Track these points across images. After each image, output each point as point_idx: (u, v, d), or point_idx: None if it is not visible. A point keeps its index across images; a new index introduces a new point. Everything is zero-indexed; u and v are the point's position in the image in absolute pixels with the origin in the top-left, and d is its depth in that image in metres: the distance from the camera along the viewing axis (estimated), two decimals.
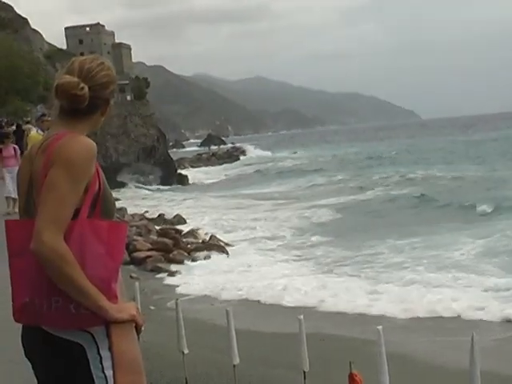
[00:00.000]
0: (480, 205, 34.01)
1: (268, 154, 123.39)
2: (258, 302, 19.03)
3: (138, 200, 56.62)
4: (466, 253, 23.26)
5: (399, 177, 56.48)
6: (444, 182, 50.95)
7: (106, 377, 2.71)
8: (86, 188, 2.72)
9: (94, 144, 2.78)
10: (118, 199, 53.97)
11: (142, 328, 2.95)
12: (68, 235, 2.66)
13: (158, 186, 65.70)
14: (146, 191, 62.24)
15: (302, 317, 9.71)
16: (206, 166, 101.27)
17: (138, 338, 9.37)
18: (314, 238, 29.78)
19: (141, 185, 64.78)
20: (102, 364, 2.70)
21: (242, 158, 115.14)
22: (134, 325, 2.78)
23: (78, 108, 2.82)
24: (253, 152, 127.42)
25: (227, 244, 28.61)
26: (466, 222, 30.37)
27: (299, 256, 26.20)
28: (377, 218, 34.68)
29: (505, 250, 22.96)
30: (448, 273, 20.41)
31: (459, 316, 16.14)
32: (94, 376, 2.71)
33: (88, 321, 2.68)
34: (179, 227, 33.13)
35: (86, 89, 2.82)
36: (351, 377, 8.65)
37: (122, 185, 63.04)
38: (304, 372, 9.55)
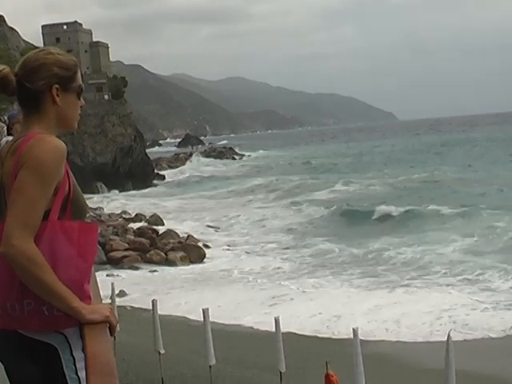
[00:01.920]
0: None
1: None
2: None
3: (115, 199, 56.45)
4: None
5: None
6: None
7: (79, 378, 2.68)
8: (55, 190, 2.70)
9: (64, 145, 2.75)
10: (95, 199, 53.77)
11: (117, 329, 2.92)
12: (38, 237, 2.63)
13: (134, 187, 65.49)
14: (123, 193, 62.12)
15: (278, 316, 9.71)
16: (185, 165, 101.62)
17: (114, 338, 9.29)
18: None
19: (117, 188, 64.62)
20: (75, 365, 2.67)
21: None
22: (107, 326, 2.75)
23: (19, 98, 2.77)
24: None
25: (205, 245, 28.59)
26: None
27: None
28: None
29: None
30: None
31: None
32: (68, 378, 2.69)
33: (61, 322, 2.66)
34: (157, 227, 33.06)
35: (7, 70, 2.77)
36: (327, 377, 8.67)
37: (98, 185, 62.88)
38: (280, 372, 9.55)
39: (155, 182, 69.77)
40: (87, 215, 2.97)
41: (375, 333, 15.13)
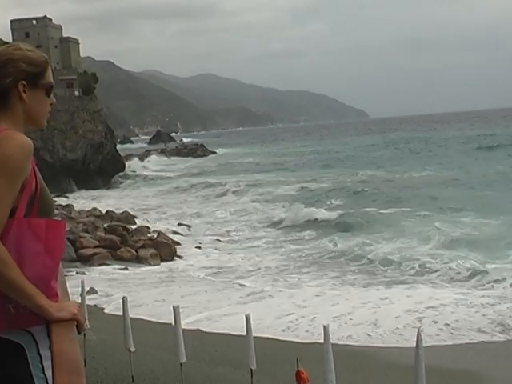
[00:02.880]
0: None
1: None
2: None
3: (85, 196, 56.11)
4: None
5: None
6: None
7: (46, 377, 2.65)
8: (22, 187, 2.66)
9: (30, 142, 2.71)
10: (65, 196, 53.39)
11: (86, 326, 2.88)
12: (5, 235, 2.60)
13: (104, 184, 65.05)
14: (93, 190, 61.75)
15: (249, 314, 9.70)
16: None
17: (84, 336, 9.18)
18: None
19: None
20: (42, 364, 2.64)
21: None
22: (75, 324, 2.72)
23: None
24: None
25: (175, 242, 28.52)
26: None
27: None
28: None
29: None
30: None
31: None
32: (34, 376, 2.65)
33: (28, 320, 2.63)
34: (128, 224, 32.91)
35: None
36: (298, 374, 8.69)
37: (68, 182, 62.42)
38: (251, 370, 9.56)
39: (121, 179, 69.30)
40: (55, 212, 2.93)
41: (348, 332, 15.20)
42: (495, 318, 15.32)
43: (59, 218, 3.22)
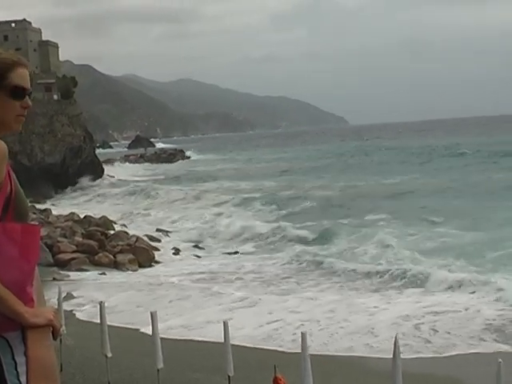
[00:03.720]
0: None
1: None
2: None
3: (64, 201, 55.76)
4: None
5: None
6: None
7: (20, 383, 2.62)
8: None
9: (5, 145, 2.66)
10: (40, 202, 52.93)
11: (63, 331, 2.86)
12: None
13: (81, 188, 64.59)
14: (74, 193, 61.33)
15: (227, 320, 9.69)
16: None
17: (60, 341, 9.10)
18: None
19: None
20: (16, 370, 2.61)
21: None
22: (50, 329, 2.69)
23: None
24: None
25: (154, 248, 28.41)
26: None
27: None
28: None
29: None
30: None
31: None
32: (9, 382, 2.61)
33: (3, 326, 2.59)
34: (106, 230, 32.72)
35: None
36: (275, 380, 8.70)
37: (48, 186, 62.02)
38: (229, 376, 9.55)
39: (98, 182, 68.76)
40: (32, 217, 2.90)
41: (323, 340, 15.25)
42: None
43: (36, 223, 3.19)
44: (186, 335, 15.65)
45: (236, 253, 27.88)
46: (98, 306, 11.09)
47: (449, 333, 15.09)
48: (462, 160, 71.20)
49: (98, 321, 11.03)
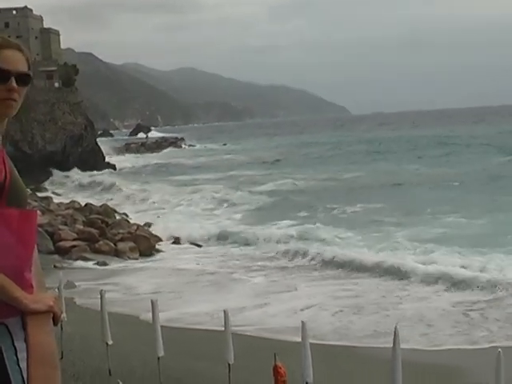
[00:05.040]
0: None
1: None
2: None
3: (65, 189, 55.68)
4: None
5: None
6: None
7: (20, 369, 2.61)
8: None
9: None
10: (44, 188, 52.95)
11: (62, 317, 2.85)
12: None
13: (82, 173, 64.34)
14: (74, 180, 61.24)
15: (227, 309, 9.69)
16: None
17: (61, 329, 9.10)
18: None
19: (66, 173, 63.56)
20: (16, 356, 2.60)
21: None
22: (51, 316, 2.68)
23: None
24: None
25: (154, 236, 28.38)
26: None
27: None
28: None
29: None
30: None
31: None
32: (9, 368, 2.61)
33: (2, 312, 2.58)
34: (107, 217, 32.72)
35: None
36: (275, 369, 8.71)
37: (49, 174, 61.92)
38: (229, 364, 9.56)
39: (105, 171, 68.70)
40: (34, 204, 2.88)
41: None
42: None
43: (34, 209, 3.16)
44: (185, 323, 15.69)
45: None
46: (99, 294, 11.11)
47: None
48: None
49: (99, 308, 11.04)
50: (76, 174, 63.05)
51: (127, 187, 48.85)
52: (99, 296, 11.04)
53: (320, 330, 14.76)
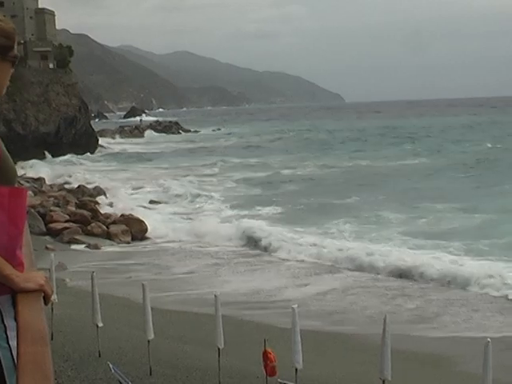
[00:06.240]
0: None
1: None
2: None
3: (59, 169, 55.51)
4: None
5: None
6: None
7: (10, 347, 2.60)
8: None
9: None
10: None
11: (53, 299, 2.84)
12: None
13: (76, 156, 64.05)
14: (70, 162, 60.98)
15: (218, 293, 9.70)
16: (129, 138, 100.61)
17: (52, 310, 9.09)
18: None
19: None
20: (6, 334, 2.59)
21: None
22: (42, 295, 2.68)
23: None
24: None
25: (145, 219, 28.32)
26: None
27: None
28: None
29: None
30: None
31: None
32: None
33: None
34: (99, 199, 32.69)
35: None
36: (265, 354, 8.73)
37: (43, 157, 61.69)
38: (219, 349, 9.58)
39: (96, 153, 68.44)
40: (26, 185, 2.87)
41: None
42: None
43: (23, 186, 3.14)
44: (176, 306, 15.72)
45: None
46: (90, 276, 11.10)
47: None
48: None
49: (89, 290, 11.03)
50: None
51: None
52: (90, 278, 11.04)
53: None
